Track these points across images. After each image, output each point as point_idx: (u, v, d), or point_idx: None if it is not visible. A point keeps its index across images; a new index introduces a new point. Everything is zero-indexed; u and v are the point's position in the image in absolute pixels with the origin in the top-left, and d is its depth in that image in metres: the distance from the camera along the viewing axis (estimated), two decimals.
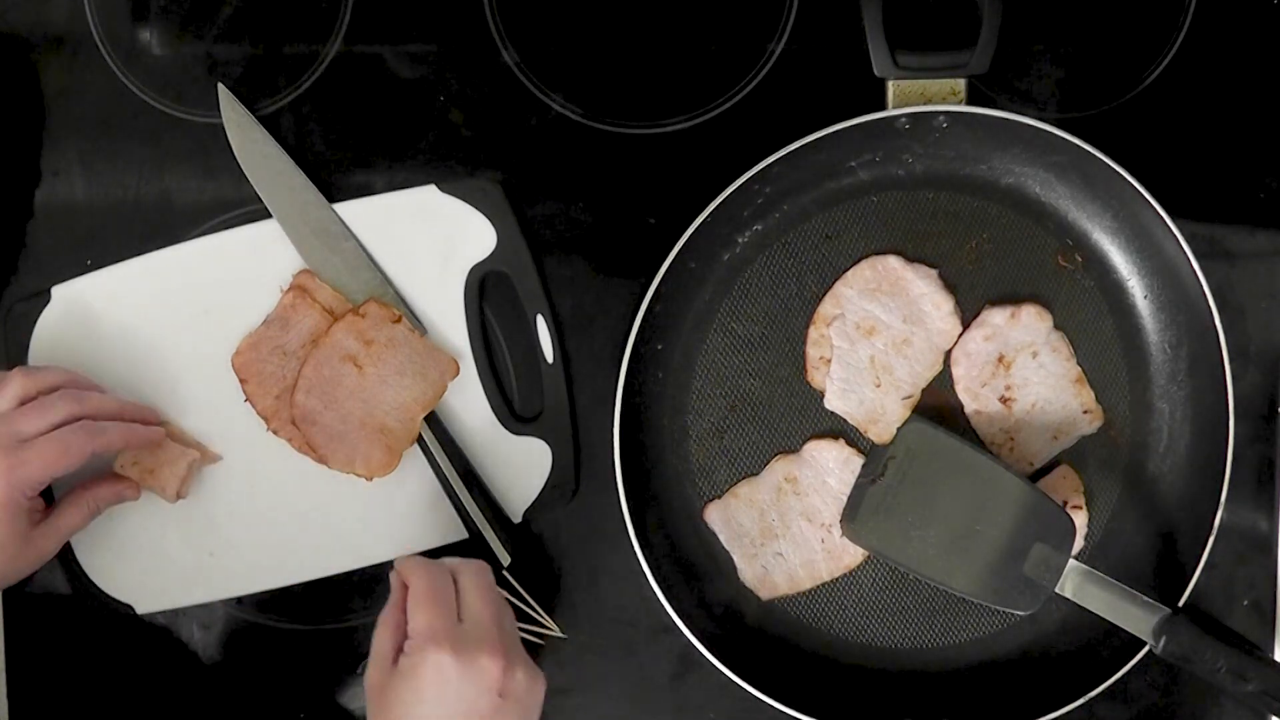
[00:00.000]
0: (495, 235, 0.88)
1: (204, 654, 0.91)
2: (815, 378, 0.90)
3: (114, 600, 0.88)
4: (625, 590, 0.90)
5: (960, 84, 0.85)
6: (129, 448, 0.83)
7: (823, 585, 0.90)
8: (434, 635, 0.74)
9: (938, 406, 0.90)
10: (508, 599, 0.90)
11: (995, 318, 0.89)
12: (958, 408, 0.90)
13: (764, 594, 0.90)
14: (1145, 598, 0.84)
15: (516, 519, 0.89)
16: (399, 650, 0.75)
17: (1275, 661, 0.90)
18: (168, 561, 0.89)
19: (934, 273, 0.89)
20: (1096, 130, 0.88)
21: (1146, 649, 0.85)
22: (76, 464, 0.78)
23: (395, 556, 0.89)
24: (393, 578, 0.79)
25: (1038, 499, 0.85)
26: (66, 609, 0.89)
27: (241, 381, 0.87)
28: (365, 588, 0.90)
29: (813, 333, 0.89)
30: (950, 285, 0.89)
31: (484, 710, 0.74)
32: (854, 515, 0.87)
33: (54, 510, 0.82)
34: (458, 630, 0.75)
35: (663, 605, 0.86)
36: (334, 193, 0.89)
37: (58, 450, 0.78)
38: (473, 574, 0.79)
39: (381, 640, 0.76)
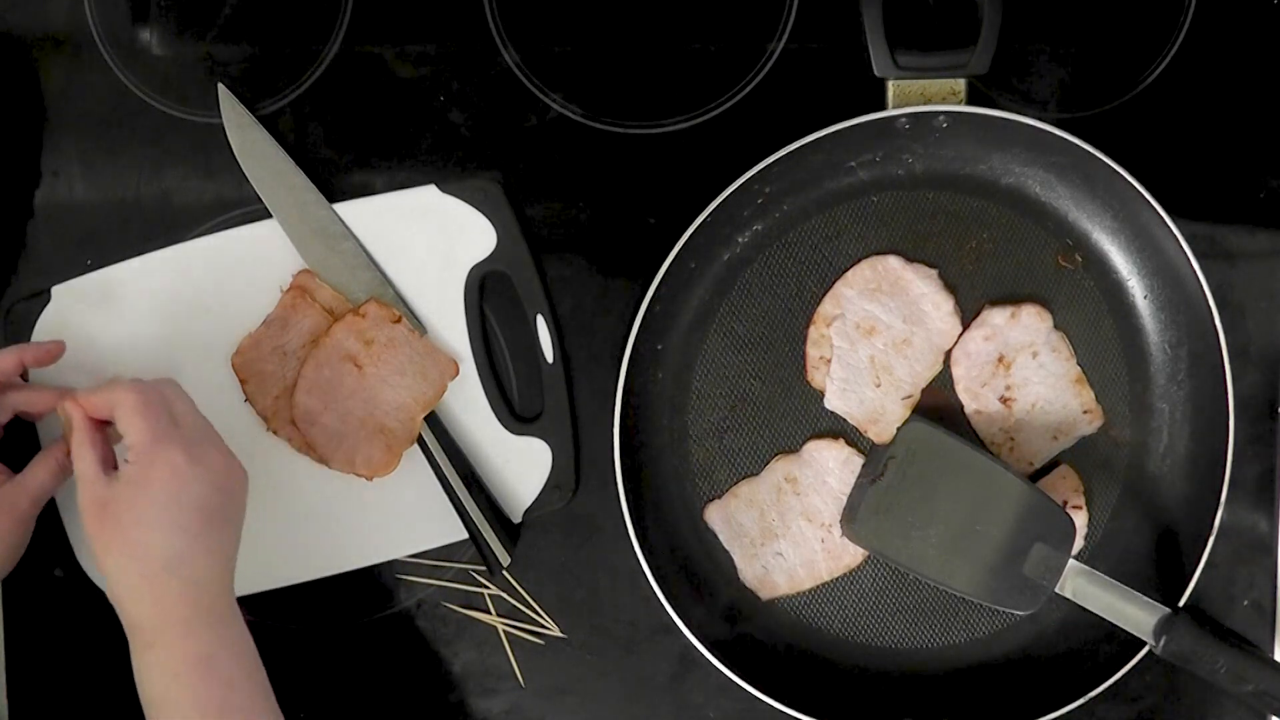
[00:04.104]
0: (495, 235, 0.88)
1: None
2: (815, 378, 0.90)
3: None
4: (625, 590, 0.90)
5: (960, 84, 0.85)
6: (34, 364, 0.82)
7: (823, 585, 0.90)
8: (161, 438, 0.75)
9: (938, 406, 0.90)
10: (506, 598, 0.90)
11: (995, 318, 0.89)
12: (958, 408, 0.90)
13: (764, 594, 0.90)
14: (1145, 598, 0.84)
15: (516, 519, 0.89)
16: (105, 460, 0.76)
17: (1275, 661, 0.90)
18: None
19: (934, 273, 0.89)
20: (1096, 130, 0.88)
21: (1146, 649, 0.85)
22: None
23: (395, 557, 0.89)
24: (69, 407, 0.78)
25: (1038, 499, 0.85)
26: (66, 608, 0.89)
27: (241, 381, 0.87)
28: (365, 588, 0.90)
29: (813, 333, 0.89)
30: (950, 285, 0.89)
31: (214, 506, 0.75)
32: (854, 515, 0.87)
33: (23, 472, 0.82)
34: (180, 432, 0.76)
35: (663, 605, 0.86)
36: (334, 193, 0.89)
37: None
38: (168, 385, 0.79)
39: (84, 462, 0.76)
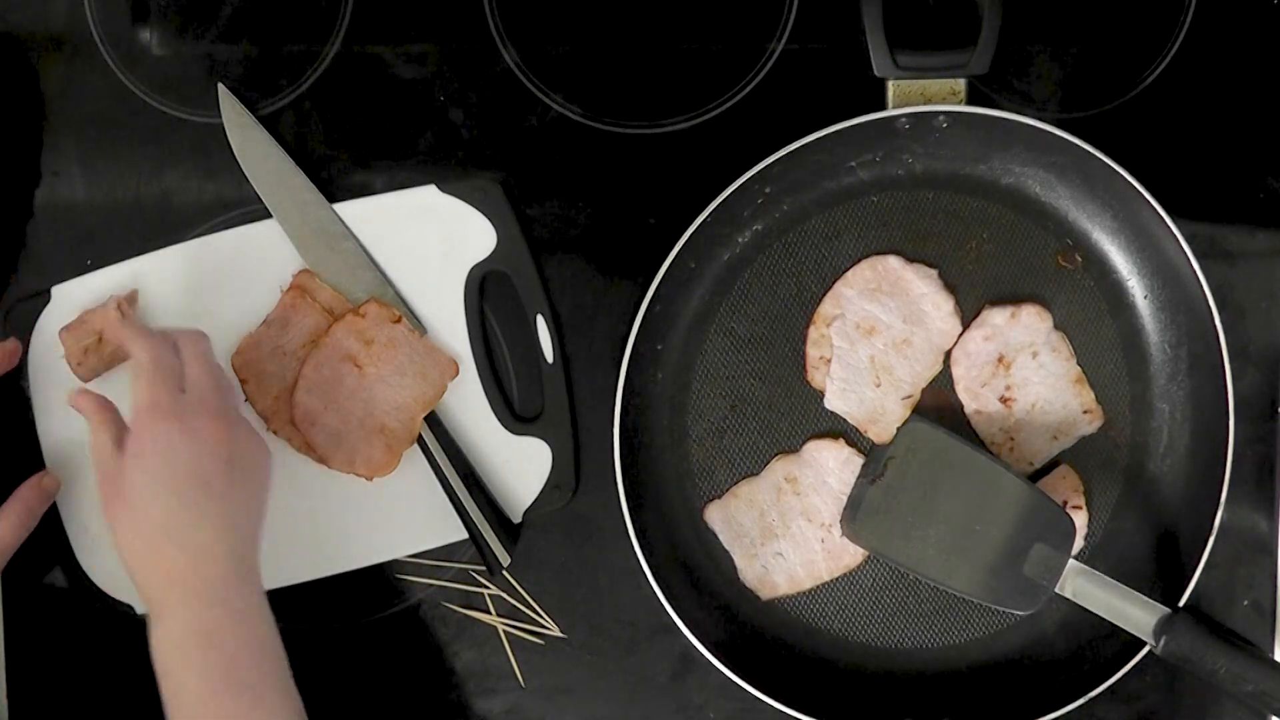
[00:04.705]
0: (495, 235, 0.88)
1: None
2: (815, 378, 0.90)
3: (114, 600, 0.88)
4: (625, 590, 0.90)
5: (960, 84, 0.85)
6: None
7: (823, 585, 0.90)
8: (158, 407, 0.76)
9: (938, 406, 0.90)
10: (506, 598, 0.90)
11: (995, 318, 0.89)
12: (958, 408, 0.90)
13: (764, 594, 0.90)
14: (1145, 598, 0.84)
15: (516, 519, 0.89)
16: (118, 439, 0.77)
17: (1275, 661, 0.90)
18: None
19: (934, 273, 0.89)
20: (1096, 130, 0.88)
21: (1146, 649, 0.85)
22: None
23: (395, 556, 0.89)
24: (77, 401, 0.80)
25: (1038, 499, 0.85)
26: (66, 609, 0.89)
27: (241, 381, 0.87)
28: (365, 588, 0.90)
29: (813, 333, 0.89)
30: (950, 285, 0.89)
31: (211, 475, 0.76)
32: (854, 515, 0.87)
33: None
34: (180, 400, 0.77)
35: (663, 605, 0.86)
36: (334, 193, 0.89)
37: None
38: (192, 343, 0.80)
39: (99, 443, 0.78)
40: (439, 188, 0.88)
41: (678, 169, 0.90)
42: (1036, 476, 0.90)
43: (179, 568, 0.75)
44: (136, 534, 0.75)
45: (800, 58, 0.90)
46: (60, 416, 0.87)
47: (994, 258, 0.89)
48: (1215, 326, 0.85)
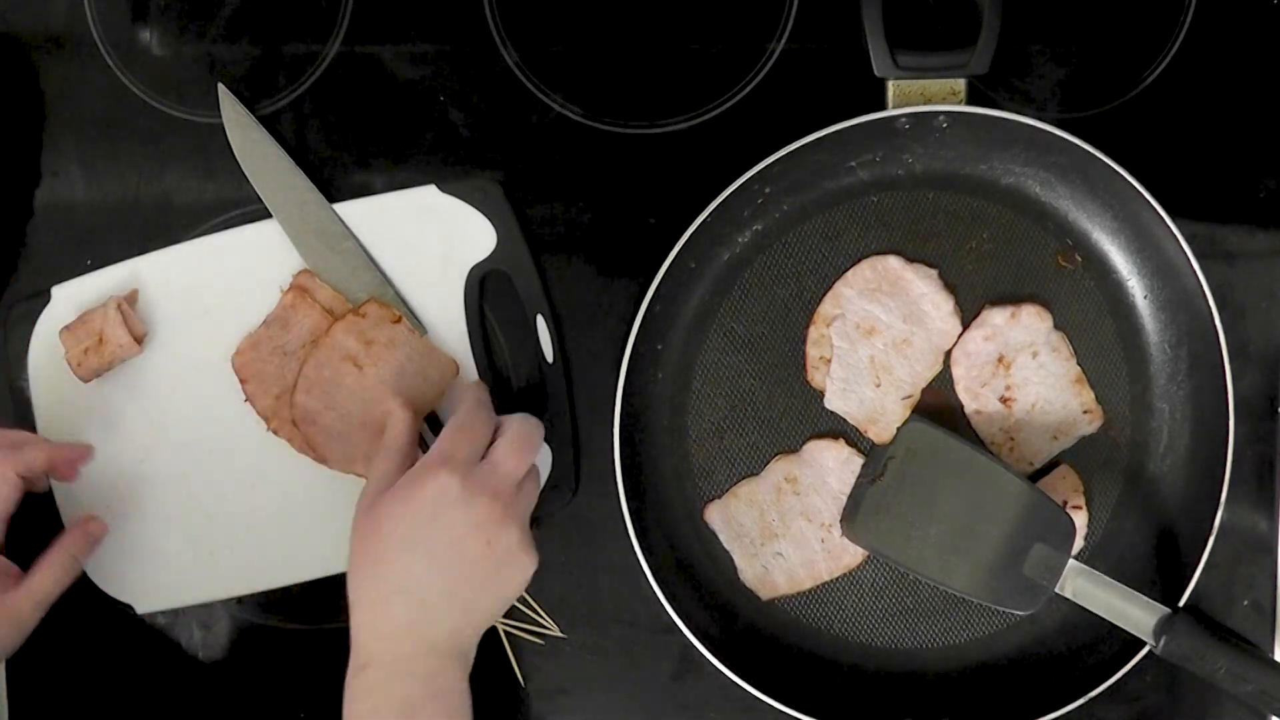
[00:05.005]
0: (495, 235, 0.88)
1: (204, 654, 0.91)
2: (815, 378, 0.90)
3: (114, 600, 0.88)
4: (625, 590, 0.90)
5: (960, 84, 0.85)
6: (54, 467, 0.82)
7: (823, 585, 0.90)
8: (449, 459, 0.75)
9: (938, 406, 0.90)
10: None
11: (995, 318, 0.89)
12: (958, 408, 0.90)
13: (764, 594, 0.90)
14: (1145, 598, 0.84)
15: None
16: (402, 468, 0.77)
17: (1275, 661, 0.90)
18: (168, 561, 0.89)
19: (934, 273, 0.89)
20: (1096, 130, 0.88)
21: (1146, 649, 0.85)
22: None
23: None
24: (400, 415, 0.80)
25: (1038, 499, 0.85)
26: (66, 609, 0.89)
27: (241, 381, 0.87)
28: None
29: (813, 333, 0.89)
30: (950, 285, 0.89)
31: (470, 551, 0.74)
32: (854, 515, 0.87)
33: (28, 574, 0.81)
34: (473, 465, 0.76)
35: (663, 605, 0.86)
36: (334, 193, 0.89)
37: None
38: (518, 425, 0.79)
39: (381, 470, 0.77)
40: (439, 188, 0.88)
41: (678, 169, 0.90)
42: (1036, 476, 0.90)
43: (398, 626, 0.74)
44: (372, 575, 0.74)
45: (800, 58, 0.90)
46: (61, 416, 0.87)
47: (994, 258, 0.89)
48: (1215, 326, 0.85)
